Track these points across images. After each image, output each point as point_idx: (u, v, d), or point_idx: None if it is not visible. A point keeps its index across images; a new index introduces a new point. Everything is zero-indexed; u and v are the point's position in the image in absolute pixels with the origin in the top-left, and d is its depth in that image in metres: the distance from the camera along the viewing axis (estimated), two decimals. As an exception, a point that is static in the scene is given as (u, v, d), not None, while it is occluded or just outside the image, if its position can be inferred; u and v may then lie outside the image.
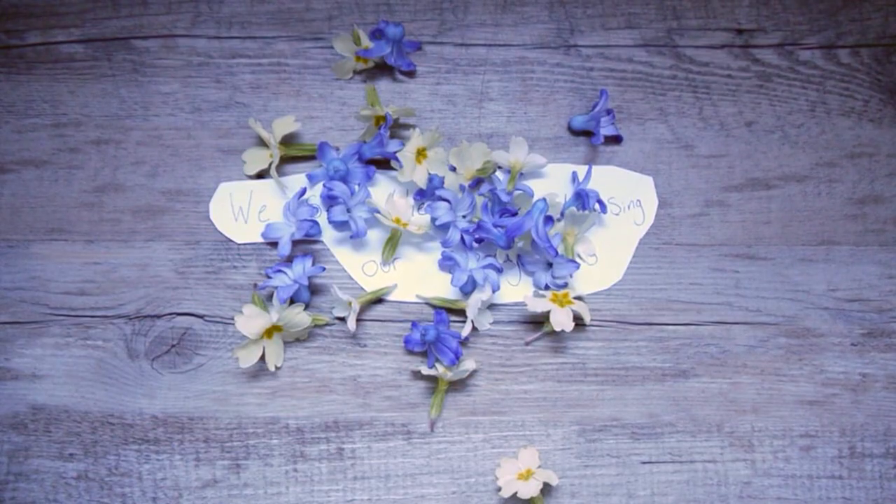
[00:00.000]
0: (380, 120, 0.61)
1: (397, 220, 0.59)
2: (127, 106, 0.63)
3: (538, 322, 0.60)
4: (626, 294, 0.61)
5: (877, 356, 0.60)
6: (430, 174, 0.61)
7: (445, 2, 0.64)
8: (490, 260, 0.60)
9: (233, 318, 0.60)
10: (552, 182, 0.62)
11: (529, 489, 0.56)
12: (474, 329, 0.60)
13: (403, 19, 0.64)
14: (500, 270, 0.59)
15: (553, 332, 0.60)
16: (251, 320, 0.57)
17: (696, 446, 0.59)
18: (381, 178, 0.63)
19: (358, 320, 0.60)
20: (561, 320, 0.57)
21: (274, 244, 0.61)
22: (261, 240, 0.61)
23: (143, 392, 0.60)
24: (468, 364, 0.58)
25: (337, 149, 0.62)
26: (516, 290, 0.61)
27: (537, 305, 0.58)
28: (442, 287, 0.61)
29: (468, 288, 0.59)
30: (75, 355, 0.60)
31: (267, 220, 0.62)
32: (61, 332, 0.60)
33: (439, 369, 0.58)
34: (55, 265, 0.61)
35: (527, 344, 0.60)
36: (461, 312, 0.60)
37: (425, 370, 0.58)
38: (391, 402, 0.60)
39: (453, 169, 0.61)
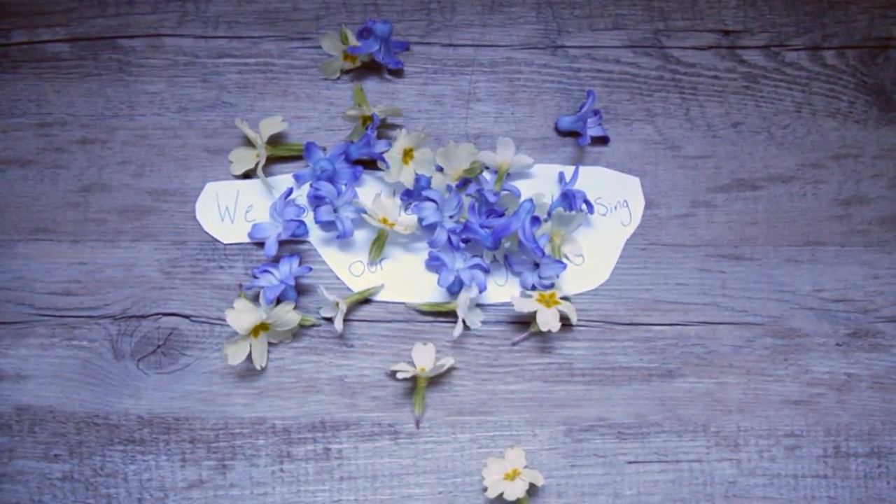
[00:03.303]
0: (367, 120, 0.61)
1: (384, 221, 0.59)
2: (113, 105, 0.63)
3: (525, 322, 0.61)
4: (613, 294, 0.61)
5: (861, 356, 0.61)
6: (417, 175, 0.61)
7: (433, 2, 0.64)
8: (477, 260, 0.60)
9: (219, 319, 0.60)
10: (539, 182, 0.63)
11: (516, 490, 0.56)
12: (466, 328, 0.60)
13: (391, 19, 0.64)
14: (486, 270, 0.60)
15: (540, 333, 0.60)
16: (242, 315, 0.57)
17: (683, 446, 0.60)
18: (368, 178, 0.63)
19: (345, 320, 0.60)
20: (548, 320, 0.58)
21: (260, 244, 0.61)
22: (247, 240, 0.61)
23: (129, 392, 0.59)
24: (446, 360, 0.58)
25: (324, 149, 0.62)
26: (503, 290, 0.61)
27: (524, 306, 0.58)
28: (429, 287, 0.61)
29: (455, 288, 0.59)
30: (60, 356, 0.60)
31: (254, 220, 0.62)
32: (46, 333, 0.60)
33: (416, 367, 0.58)
34: (40, 265, 0.61)
35: (513, 344, 0.60)
36: (451, 314, 0.60)
37: (402, 372, 0.58)
38: (378, 403, 0.60)
39: (440, 169, 0.61)
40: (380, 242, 0.61)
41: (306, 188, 0.62)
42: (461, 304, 0.58)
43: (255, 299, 0.60)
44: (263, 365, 0.59)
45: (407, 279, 0.61)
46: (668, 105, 0.63)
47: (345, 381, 0.60)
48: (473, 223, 0.59)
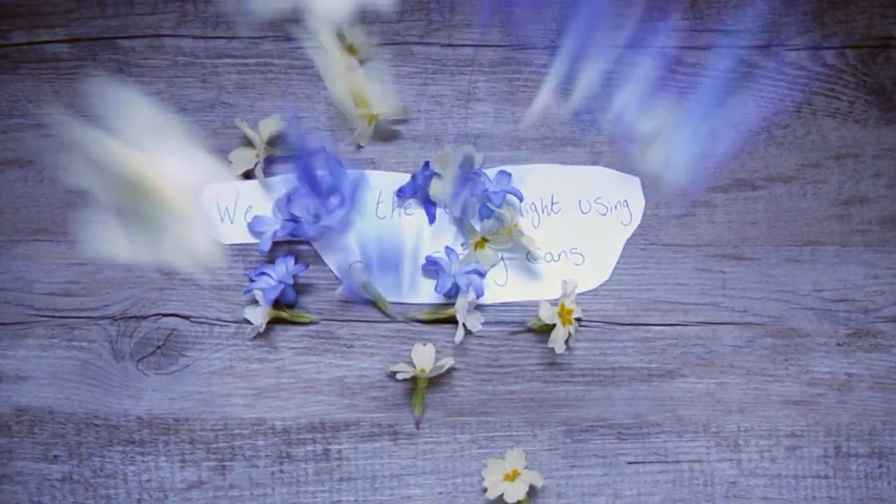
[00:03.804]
0: (372, 119, 0.61)
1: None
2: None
3: (524, 323, 0.60)
4: (613, 294, 0.61)
5: (862, 356, 0.61)
6: (414, 174, 0.61)
7: (432, 2, 0.64)
8: (474, 265, 0.59)
9: (219, 319, 0.60)
10: (538, 181, 0.62)
11: (516, 491, 0.56)
12: (467, 332, 0.60)
13: (390, 19, 0.64)
14: (483, 275, 0.59)
15: (534, 331, 0.60)
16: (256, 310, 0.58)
17: (683, 446, 0.59)
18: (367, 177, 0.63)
19: (345, 321, 0.60)
20: (558, 338, 0.57)
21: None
22: (247, 240, 0.61)
23: (129, 393, 0.59)
24: (446, 361, 0.58)
25: (324, 148, 0.62)
26: (503, 290, 0.61)
27: (548, 315, 0.58)
28: (428, 290, 0.61)
29: (453, 293, 0.59)
30: (60, 356, 0.60)
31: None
32: (46, 334, 0.60)
33: (416, 368, 0.58)
34: (40, 266, 0.61)
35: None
36: (451, 321, 0.60)
37: (401, 372, 0.58)
38: (377, 403, 0.60)
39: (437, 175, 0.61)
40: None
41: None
42: (460, 308, 0.58)
43: (254, 302, 0.60)
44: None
45: (406, 282, 0.61)
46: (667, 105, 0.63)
47: (344, 381, 0.60)
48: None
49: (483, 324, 0.60)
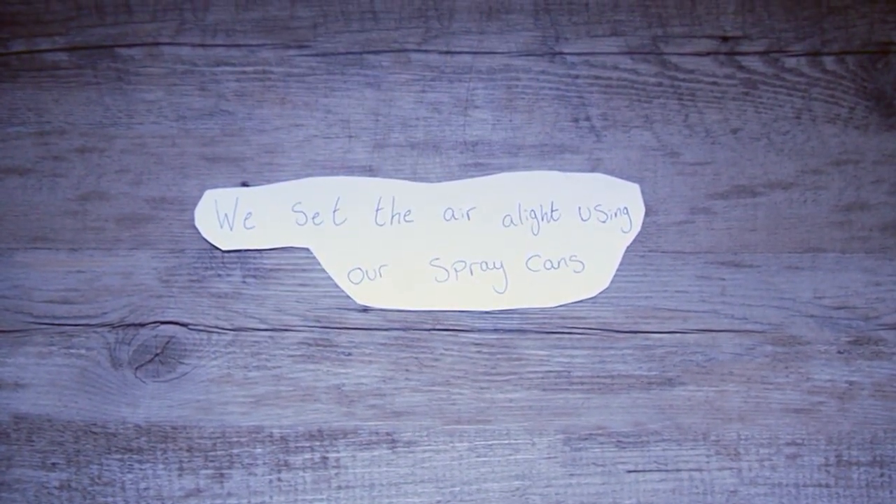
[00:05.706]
0: None
1: None
2: (111, 114, 0.63)
3: (523, 330, 0.60)
4: (612, 302, 0.61)
5: (863, 364, 0.60)
6: None
7: (430, 9, 0.64)
8: None
9: (217, 327, 0.60)
10: (537, 189, 0.62)
11: None
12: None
13: (388, 27, 0.64)
14: None
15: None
16: None
17: (682, 455, 0.59)
18: (362, 183, 0.62)
19: (343, 328, 0.60)
20: None
21: (258, 250, 0.61)
22: (246, 246, 0.61)
23: (127, 401, 0.59)
24: None
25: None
26: (503, 297, 0.61)
27: None
28: (430, 293, 0.61)
29: None
30: (58, 364, 0.60)
31: (252, 227, 0.62)
32: (44, 341, 0.60)
33: None
34: (38, 273, 0.61)
35: None
36: (452, 328, 0.60)
37: None
38: (376, 411, 0.59)
39: None
40: None
41: (309, 194, 0.62)
42: None
43: None
44: None
45: (406, 286, 0.61)
46: (666, 111, 0.63)
47: (342, 389, 0.60)
48: None
49: (482, 331, 0.60)
